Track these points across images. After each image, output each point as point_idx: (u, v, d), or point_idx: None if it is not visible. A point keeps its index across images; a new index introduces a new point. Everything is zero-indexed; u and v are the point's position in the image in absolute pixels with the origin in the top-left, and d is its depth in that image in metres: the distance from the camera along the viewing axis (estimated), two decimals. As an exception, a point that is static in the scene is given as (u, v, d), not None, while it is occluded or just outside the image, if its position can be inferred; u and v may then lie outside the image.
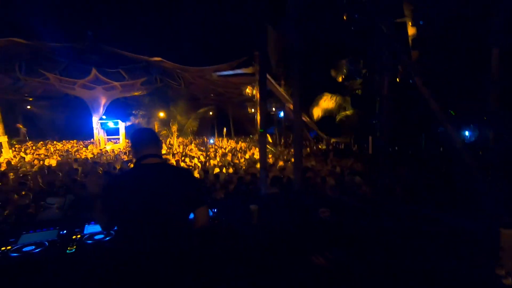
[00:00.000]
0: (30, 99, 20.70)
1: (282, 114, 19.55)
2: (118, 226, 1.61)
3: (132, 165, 1.79)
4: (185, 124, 21.06)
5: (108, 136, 19.08)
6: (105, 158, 11.72)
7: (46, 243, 2.03)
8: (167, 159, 9.81)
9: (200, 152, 13.54)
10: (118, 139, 19.41)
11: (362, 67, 14.02)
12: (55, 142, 19.13)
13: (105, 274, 1.73)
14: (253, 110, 20.59)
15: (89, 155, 12.65)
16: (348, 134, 16.10)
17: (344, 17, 9.74)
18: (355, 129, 15.51)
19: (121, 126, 19.40)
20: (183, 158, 10.94)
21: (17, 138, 19.71)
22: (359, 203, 3.73)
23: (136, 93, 19.01)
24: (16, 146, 16.47)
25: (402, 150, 10.65)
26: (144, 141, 1.66)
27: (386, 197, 5.20)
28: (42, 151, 14.45)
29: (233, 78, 16.53)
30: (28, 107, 22.72)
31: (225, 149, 15.74)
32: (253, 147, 15.37)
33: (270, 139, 17.74)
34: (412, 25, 8.83)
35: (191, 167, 8.99)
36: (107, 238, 2.11)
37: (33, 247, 1.96)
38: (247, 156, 12.06)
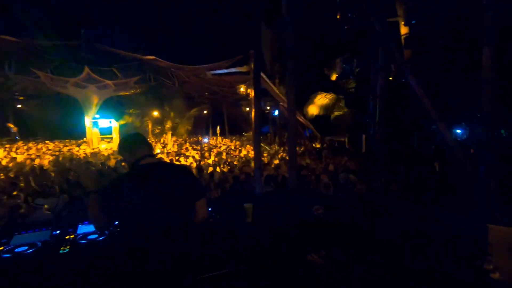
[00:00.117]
0: (21, 97, 20.38)
1: (276, 112, 19.59)
2: (122, 226, 1.63)
3: (126, 167, 1.81)
4: (179, 123, 20.95)
5: (101, 136, 18.89)
6: (98, 157, 11.60)
7: (39, 243, 2.01)
8: (161, 158, 9.77)
9: (195, 151, 13.50)
10: (111, 138, 19.22)
11: (356, 66, 14.12)
12: (47, 141, 18.86)
13: (103, 273, 1.73)
14: (247, 108, 20.61)
15: (82, 155, 12.51)
16: (342, 132, 16.21)
17: (338, 16, 9.80)
18: (349, 127, 15.63)
19: (115, 125, 19.22)
20: (177, 157, 10.89)
21: (7, 137, 19.40)
22: (353, 200, 3.76)
23: (129, 92, 18.84)
24: (7, 146, 16.20)
25: (396, 148, 10.77)
26: (137, 143, 1.74)
27: (380, 194, 5.26)
28: (33, 150, 14.24)
29: (227, 76, 16.50)
30: (19, 106, 22.36)
31: (219, 147, 15.71)
32: (248, 145, 15.37)
33: (265, 138, 17.78)
34: (405, 25, 8.92)
35: (185, 166, 8.96)
36: (101, 238, 2.10)
37: (26, 247, 1.95)
38: (241, 155, 12.06)
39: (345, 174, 6.56)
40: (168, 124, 19.66)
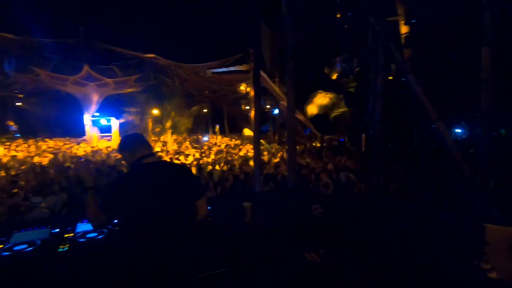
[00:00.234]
0: (21, 95, 20.35)
1: (276, 111, 19.60)
2: (122, 225, 1.64)
3: (126, 166, 1.84)
4: (179, 121, 20.94)
5: (101, 134, 18.89)
6: (98, 156, 11.60)
7: (38, 241, 2.02)
8: (161, 157, 9.78)
9: (195, 150, 13.50)
10: (110, 136, 19.21)
11: (356, 65, 14.12)
12: (46, 139, 18.86)
13: (102, 271, 1.74)
14: (247, 107, 20.61)
15: (82, 153, 12.52)
16: (342, 131, 16.24)
17: (338, 16, 9.79)
18: (348, 126, 15.65)
19: (114, 123, 19.20)
20: (176, 156, 10.90)
21: (7, 135, 19.39)
22: (352, 200, 3.77)
23: (129, 90, 18.82)
24: (7, 143, 16.20)
25: (395, 147, 10.78)
26: (137, 143, 1.76)
27: (379, 194, 5.27)
28: (33, 148, 14.24)
29: (227, 75, 16.51)
30: (19, 104, 22.33)
31: (219, 146, 15.72)
32: (248, 144, 15.38)
33: (265, 136, 17.79)
34: (405, 24, 8.91)
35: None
36: (100, 237, 2.11)
37: (25, 246, 1.95)
38: (241, 154, 12.06)
39: (345, 173, 6.57)
40: (168, 123, 19.65)
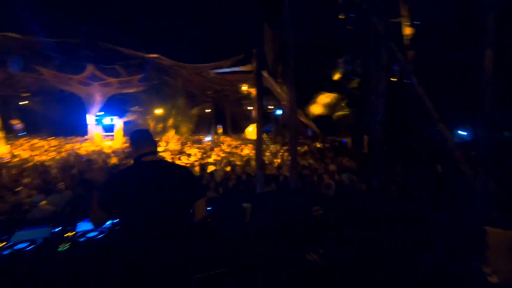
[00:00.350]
0: (25, 94, 20.49)
1: (279, 111, 19.58)
2: (120, 222, 1.64)
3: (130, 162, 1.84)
4: (181, 121, 20.99)
5: (105, 133, 18.96)
6: (102, 155, 11.67)
7: (39, 240, 2.04)
8: (162, 157, 9.81)
9: (197, 150, 13.53)
10: (113, 136, 19.26)
11: (358, 66, 14.08)
12: (50, 138, 18.98)
13: (102, 271, 1.75)
14: (249, 107, 20.61)
15: (85, 152, 12.59)
16: (344, 132, 16.20)
17: (340, 17, 9.77)
18: (351, 127, 15.61)
19: (117, 122, 19.25)
20: (178, 156, 10.93)
21: (12, 134, 19.52)
22: (353, 201, 3.76)
23: (132, 90, 18.90)
24: (11, 142, 16.32)
25: (397, 148, 10.74)
26: (143, 139, 1.76)
27: (380, 194, 5.26)
28: (37, 146, 14.35)
29: (230, 75, 16.53)
30: (23, 103, 22.48)
31: (221, 146, 15.73)
32: (249, 144, 15.38)
33: (267, 137, 17.77)
34: (409, 25, 8.87)
35: (188, 164, 9.00)
36: (100, 236, 2.12)
37: (25, 244, 1.97)
38: (243, 154, 12.07)
39: (347, 174, 6.56)
40: (171, 122, 19.71)
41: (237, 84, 17.49)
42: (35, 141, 17.34)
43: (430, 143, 9.86)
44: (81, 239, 2.08)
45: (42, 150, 13.26)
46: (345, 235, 2.47)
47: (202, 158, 10.46)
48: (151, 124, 20.11)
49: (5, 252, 1.88)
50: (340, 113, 16.07)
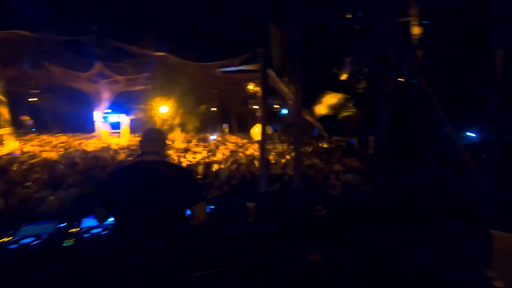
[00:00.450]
0: (35, 91, 20.82)
1: (285, 111, 19.52)
2: (114, 220, 1.66)
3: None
4: (187, 119, 21.08)
5: (113, 130, 19.14)
6: (110, 152, 11.79)
7: (44, 235, 2.07)
8: (167, 157, 9.85)
9: (202, 148, 13.59)
10: (119, 133, 19.44)
11: (365, 66, 13.94)
12: (58, 134, 19.26)
13: (105, 267, 1.76)
14: (255, 106, 20.60)
15: (92, 149, 12.74)
16: (350, 132, 16.07)
17: (347, 16, 9.68)
18: (357, 128, 15.47)
19: (124, 120, 19.41)
20: (183, 154, 10.99)
21: (21, 130, 19.84)
22: (356, 202, 3.74)
23: (139, 88, 19.05)
24: (20, 138, 16.59)
25: (403, 149, 10.62)
26: (148, 139, 1.76)
27: (384, 195, 5.21)
28: (46, 142, 14.58)
29: (236, 74, 16.55)
30: (32, 99, 22.84)
31: (226, 145, 15.77)
32: (255, 143, 15.39)
33: (272, 136, 17.75)
34: (417, 25, 8.75)
35: (193, 162, 9.04)
36: (104, 232, 2.14)
37: (31, 239, 2.00)
38: (248, 153, 12.08)
39: (353, 174, 6.52)
40: (177, 121, 19.81)
41: (244, 83, 17.50)
42: (44, 137, 17.61)
43: (436, 144, 9.73)
44: (86, 235, 2.10)
45: (50, 146, 13.45)
46: (348, 236, 2.45)
47: (207, 157, 10.50)
48: (157, 122, 20.24)
49: (11, 247, 1.91)
50: (346, 113, 15.95)
